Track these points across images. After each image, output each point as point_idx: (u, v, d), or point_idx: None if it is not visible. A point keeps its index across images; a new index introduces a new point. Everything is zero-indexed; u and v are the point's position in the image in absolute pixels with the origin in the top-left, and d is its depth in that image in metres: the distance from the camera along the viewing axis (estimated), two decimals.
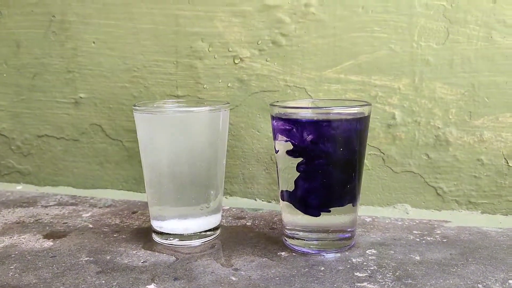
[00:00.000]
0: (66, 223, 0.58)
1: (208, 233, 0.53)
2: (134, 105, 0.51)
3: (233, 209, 0.63)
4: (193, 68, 0.65)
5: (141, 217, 0.61)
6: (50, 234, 0.55)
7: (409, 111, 0.60)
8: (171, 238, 0.52)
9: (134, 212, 0.62)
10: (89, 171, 0.72)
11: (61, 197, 0.69)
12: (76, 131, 0.71)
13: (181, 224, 0.52)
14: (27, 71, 0.72)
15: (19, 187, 0.74)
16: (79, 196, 0.69)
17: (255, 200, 0.66)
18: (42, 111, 0.72)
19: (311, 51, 0.61)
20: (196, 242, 0.51)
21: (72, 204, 0.66)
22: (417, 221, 0.58)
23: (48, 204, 0.66)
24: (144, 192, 0.69)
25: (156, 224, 0.53)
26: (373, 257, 0.48)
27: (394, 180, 0.61)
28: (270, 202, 0.66)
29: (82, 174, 0.72)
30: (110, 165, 0.71)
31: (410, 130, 0.60)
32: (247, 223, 0.58)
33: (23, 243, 0.52)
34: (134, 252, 0.50)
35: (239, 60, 0.64)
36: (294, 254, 0.49)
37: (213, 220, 0.53)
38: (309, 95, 0.62)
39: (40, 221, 0.59)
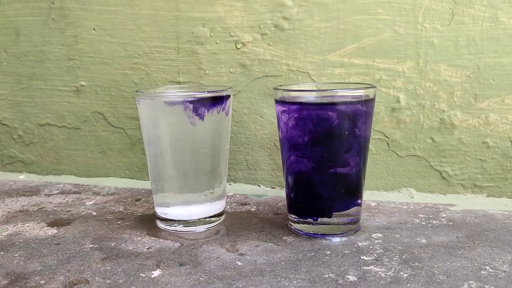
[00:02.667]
0: (69, 211, 0.58)
1: (213, 219, 0.52)
2: (136, 91, 0.51)
3: (237, 195, 0.63)
4: (195, 54, 0.65)
5: (144, 204, 0.60)
6: (54, 222, 0.55)
7: (413, 95, 0.59)
8: (175, 225, 0.51)
9: (137, 200, 0.62)
10: (92, 159, 0.71)
11: (64, 186, 0.69)
12: (78, 119, 0.71)
13: (186, 210, 0.51)
14: (27, 59, 0.71)
15: (21, 176, 0.74)
16: (82, 185, 0.69)
17: (259, 186, 0.66)
18: (43, 100, 0.72)
19: (314, 34, 0.60)
20: (200, 228, 0.51)
21: (75, 193, 0.66)
22: (423, 205, 0.58)
23: (51, 193, 0.66)
24: (147, 180, 0.69)
25: (160, 211, 0.52)
26: (379, 241, 0.47)
27: (398, 164, 0.61)
28: (274, 188, 0.66)
29: (85, 162, 0.72)
30: (112, 153, 0.70)
31: (414, 113, 0.59)
32: (252, 209, 0.58)
33: (27, 231, 0.52)
34: (138, 238, 0.50)
35: (241, 45, 0.63)
36: (299, 238, 0.49)
37: (218, 206, 0.53)
38: (313, 79, 0.61)
39: (43, 209, 0.59)
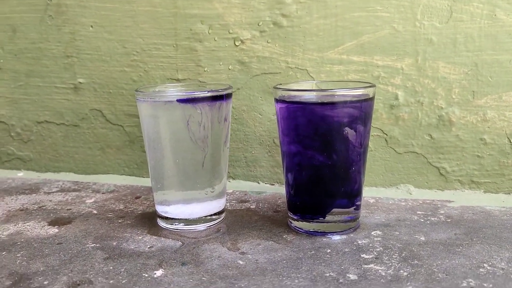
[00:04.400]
0: (70, 209, 0.58)
1: (214, 217, 0.53)
2: (136, 90, 0.51)
3: (237, 193, 0.63)
4: (193, 51, 0.64)
5: (144, 202, 0.61)
6: (54, 221, 0.55)
7: (412, 91, 0.59)
8: (176, 223, 0.52)
9: (137, 197, 0.62)
10: (91, 156, 0.71)
11: (63, 183, 0.69)
12: (76, 117, 0.71)
13: (186, 208, 0.52)
14: (24, 56, 0.71)
15: (20, 173, 0.74)
16: (81, 182, 0.69)
17: (258, 183, 0.66)
18: (41, 97, 0.71)
19: (313, 31, 0.60)
20: (201, 227, 0.52)
21: (74, 190, 0.66)
22: (421, 202, 0.58)
23: (50, 191, 0.66)
24: (146, 177, 0.69)
25: (161, 209, 0.53)
26: (378, 239, 0.48)
27: (397, 161, 0.61)
28: (273, 184, 0.66)
29: (84, 159, 0.72)
30: (111, 150, 0.71)
31: (413, 110, 0.60)
32: (251, 206, 0.58)
33: (28, 231, 0.52)
34: (140, 237, 0.50)
35: (239, 42, 0.63)
36: (299, 236, 0.49)
37: (218, 204, 0.53)
38: (311, 76, 0.62)
39: (43, 208, 0.59)
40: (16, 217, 0.56)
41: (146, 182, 0.68)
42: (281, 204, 0.59)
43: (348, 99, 0.46)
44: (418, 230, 0.50)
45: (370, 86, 0.47)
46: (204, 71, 0.65)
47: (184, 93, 0.48)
